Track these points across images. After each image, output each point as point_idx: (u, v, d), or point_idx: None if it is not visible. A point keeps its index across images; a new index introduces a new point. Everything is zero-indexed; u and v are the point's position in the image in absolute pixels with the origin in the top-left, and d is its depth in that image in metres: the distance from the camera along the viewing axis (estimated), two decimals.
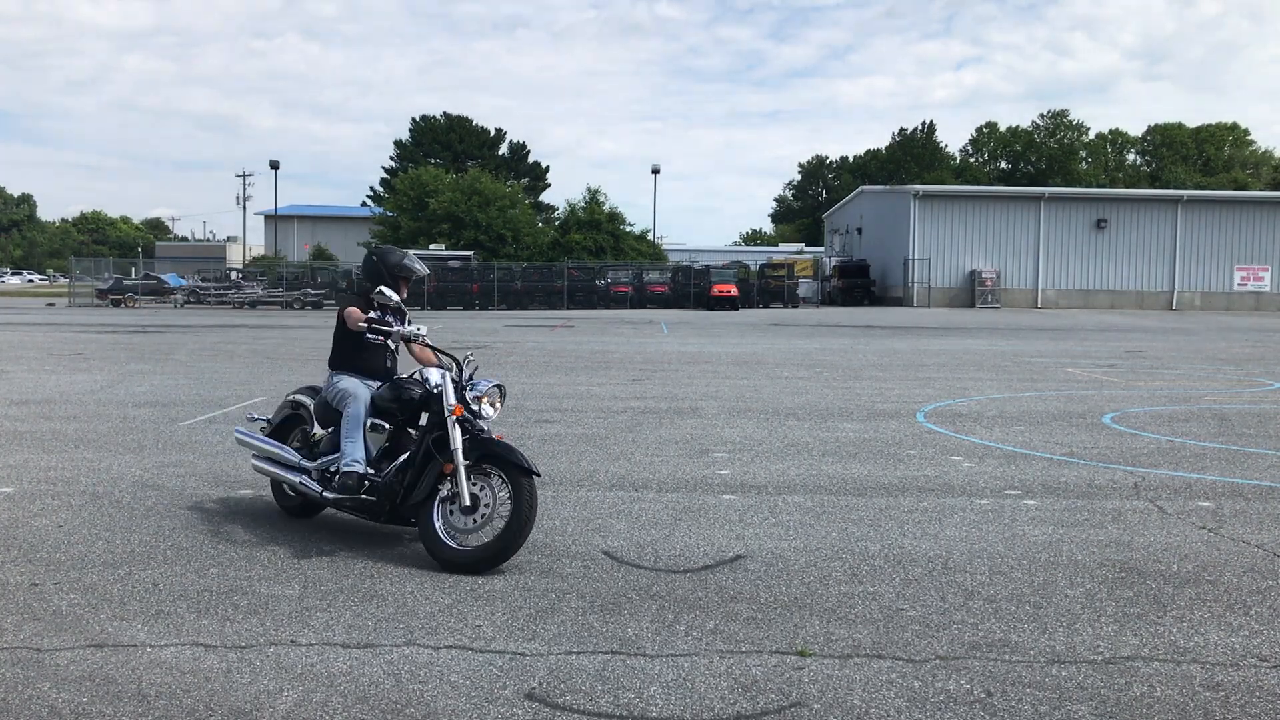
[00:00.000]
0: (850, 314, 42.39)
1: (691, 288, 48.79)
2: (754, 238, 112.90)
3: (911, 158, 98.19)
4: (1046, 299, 50.70)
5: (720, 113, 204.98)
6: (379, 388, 6.11)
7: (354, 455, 5.87)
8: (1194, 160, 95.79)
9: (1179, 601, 5.04)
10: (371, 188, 79.01)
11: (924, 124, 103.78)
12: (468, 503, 5.47)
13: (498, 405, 5.83)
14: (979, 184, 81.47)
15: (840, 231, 67.08)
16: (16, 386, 13.80)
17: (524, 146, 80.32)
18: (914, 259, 50.88)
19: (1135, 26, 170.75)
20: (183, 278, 54.61)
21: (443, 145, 75.69)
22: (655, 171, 69.73)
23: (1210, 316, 42.75)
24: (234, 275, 55.50)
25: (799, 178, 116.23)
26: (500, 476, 5.51)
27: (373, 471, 5.87)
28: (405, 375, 6.17)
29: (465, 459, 5.51)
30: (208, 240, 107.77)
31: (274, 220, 77.87)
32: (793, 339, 26.14)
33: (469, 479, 5.52)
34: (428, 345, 6.08)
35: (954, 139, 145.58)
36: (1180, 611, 4.88)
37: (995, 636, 4.52)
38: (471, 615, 4.75)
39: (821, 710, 3.75)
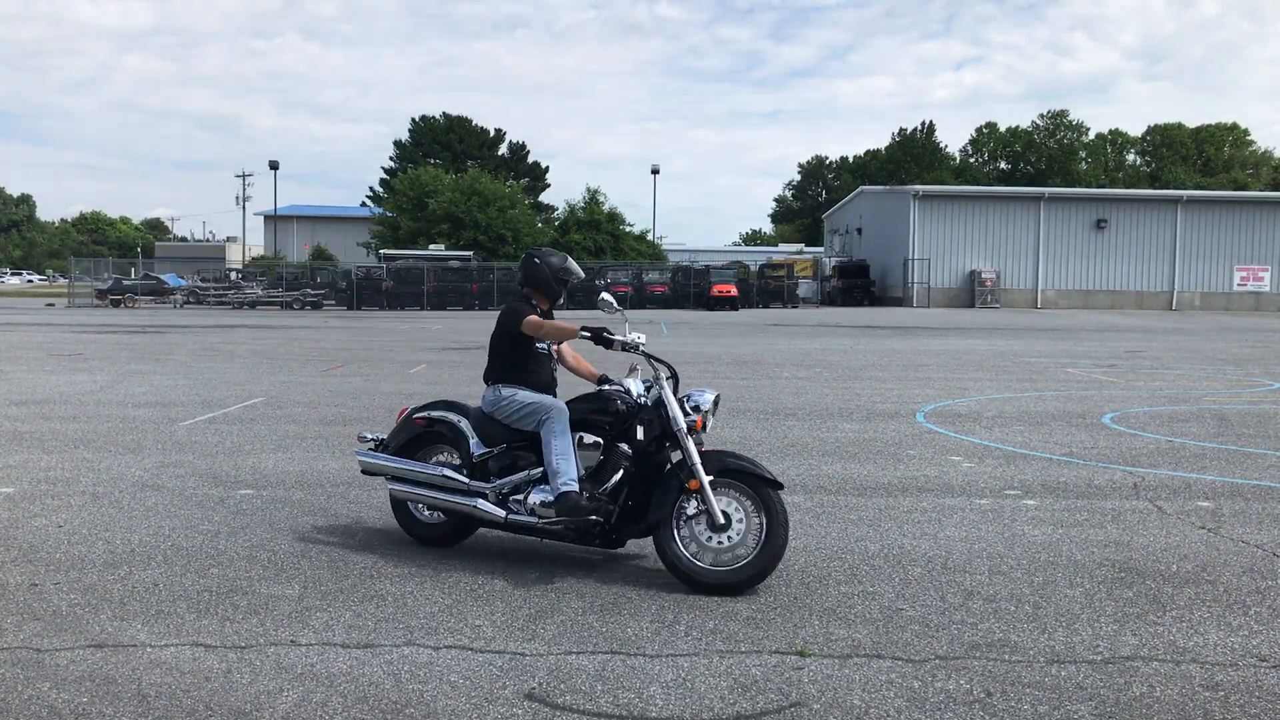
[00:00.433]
0: (850, 314, 42.39)
1: (691, 288, 48.84)
2: (754, 238, 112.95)
3: (911, 158, 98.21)
4: (1046, 299, 50.71)
5: (720, 113, 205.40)
6: (576, 400, 5.71)
7: (569, 474, 5.41)
8: (1194, 160, 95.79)
9: (1178, 601, 5.04)
10: (371, 188, 79.03)
11: (924, 124, 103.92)
12: (720, 520, 5.18)
13: (712, 418, 5.63)
14: (979, 184, 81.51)
15: (840, 232, 67.09)
16: (16, 386, 13.81)
17: (524, 146, 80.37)
18: (914, 259, 50.89)
19: (1135, 26, 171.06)
20: (182, 278, 54.69)
21: (442, 145, 75.68)
22: (655, 172, 69.86)
23: (1210, 317, 42.75)
24: (233, 275, 55.57)
25: (799, 178, 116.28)
26: (741, 490, 5.28)
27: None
28: (603, 387, 5.79)
29: (706, 474, 5.27)
30: (207, 240, 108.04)
31: (274, 220, 78.03)
32: (792, 339, 26.13)
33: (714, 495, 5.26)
34: (646, 355, 5.65)
35: (954, 139, 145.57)
36: (1180, 611, 4.89)
37: (995, 636, 4.52)
38: (471, 615, 4.75)
39: (821, 710, 3.76)
